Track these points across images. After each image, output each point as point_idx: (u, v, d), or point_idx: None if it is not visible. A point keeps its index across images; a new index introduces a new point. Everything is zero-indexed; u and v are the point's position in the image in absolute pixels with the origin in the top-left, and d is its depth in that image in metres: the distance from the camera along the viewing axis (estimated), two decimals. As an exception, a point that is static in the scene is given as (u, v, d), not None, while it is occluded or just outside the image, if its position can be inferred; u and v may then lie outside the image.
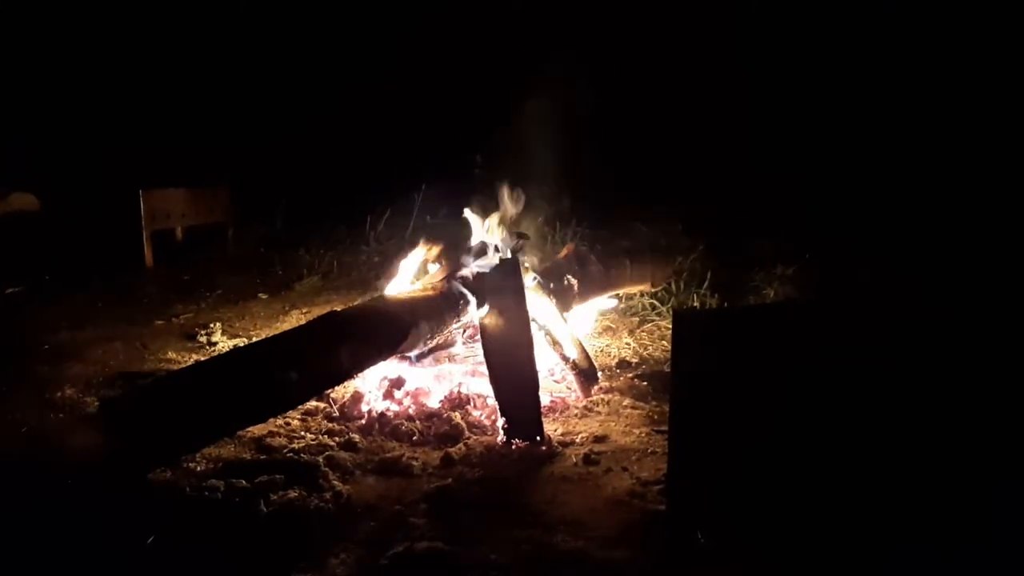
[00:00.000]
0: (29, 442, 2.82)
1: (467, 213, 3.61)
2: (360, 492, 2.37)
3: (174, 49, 9.99)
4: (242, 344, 4.08)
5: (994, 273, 4.19)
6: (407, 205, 7.87)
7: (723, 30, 9.48)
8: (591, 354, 3.46)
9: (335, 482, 2.39)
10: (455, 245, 3.54)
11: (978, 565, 1.78)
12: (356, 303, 3.40)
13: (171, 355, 4.01)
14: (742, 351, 1.92)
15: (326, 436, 2.80)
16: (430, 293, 3.15)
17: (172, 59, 9.93)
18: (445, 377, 3.31)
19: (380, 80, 10.31)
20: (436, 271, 3.41)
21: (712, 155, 8.68)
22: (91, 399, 3.28)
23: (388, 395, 3.13)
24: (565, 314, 3.52)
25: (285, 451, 2.65)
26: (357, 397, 3.11)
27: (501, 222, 3.49)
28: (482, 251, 3.47)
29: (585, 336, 4.01)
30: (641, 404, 3.20)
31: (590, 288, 4.06)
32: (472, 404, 3.10)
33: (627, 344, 4.17)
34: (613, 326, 4.55)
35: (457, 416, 2.92)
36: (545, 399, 3.11)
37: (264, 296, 5.60)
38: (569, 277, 3.82)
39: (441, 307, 3.10)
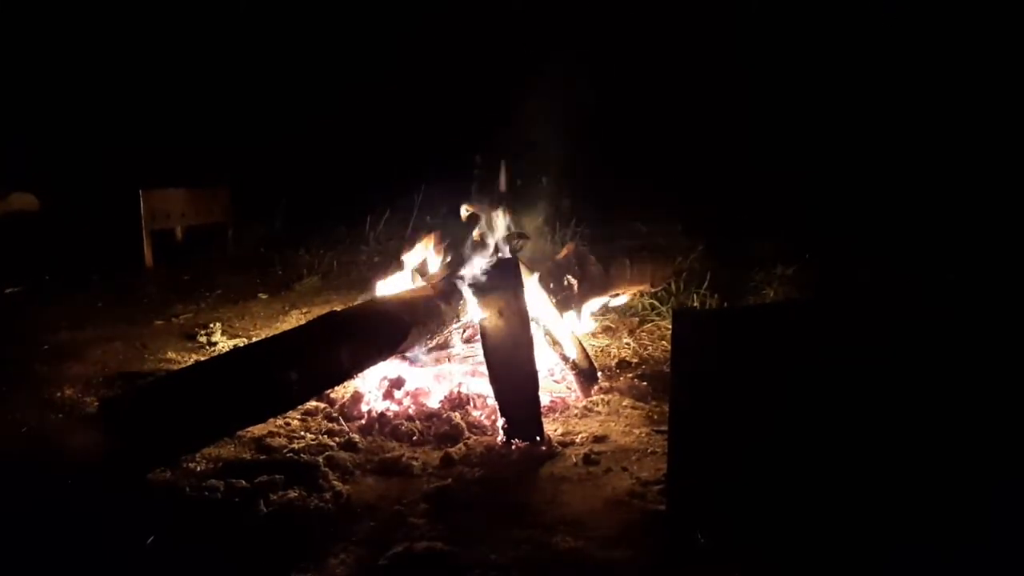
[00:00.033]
0: (29, 442, 2.82)
1: (469, 208, 3.60)
2: (360, 492, 2.37)
3: (174, 49, 9.99)
4: (242, 344, 4.08)
5: (994, 273, 4.19)
6: (407, 205, 7.87)
7: (723, 30, 9.48)
8: (591, 354, 3.46)
9: (335, 482, 2.39)
10: (456, 244, 3.54)
11: (978, 565, 1.78)
12: (356, 303, 3.40)
13: (171, 355, 4.01)
14: (742, 351, 1.92)
15: (326, 436, 2.80)
16: (430, 293, 3.15)
17: (172, 59, 9.93)
18: (445, 377, 3.31)
19: (380, 80, 10.31)
20: (436, 271, 3.41)
21: (712, 155, 8.68)
22: (91, 399, 3.28)
23: (388, 395, 3.13)
24: (565, 314, 3.52)
25: (285, 451, 2.65)
26: (357, 397, 3.11)
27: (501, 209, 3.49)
28: (482, 251, 3.47)
29: (585, 336, 4.01)
30: (641, 404, 3.20)
31: (590, 288, 4.06)
32: (472, 404, 3.10)
33: (627, 344, 4.17)
34: (613, 326, 4.55)
35: (457, 416, 2.92)
36: (545, 399, 3.11)
37: (264, 296, 5.60)
38: (569, 277, 3.82)
39: (441, 307, 3.10)
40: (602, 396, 3.28)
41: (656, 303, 4.84)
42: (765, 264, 5.79)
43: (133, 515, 2.15)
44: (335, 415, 3.03)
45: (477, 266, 3.23)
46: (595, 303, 4.30)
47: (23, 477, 2.44)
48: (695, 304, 4.90)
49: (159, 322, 4.79)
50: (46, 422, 3.01)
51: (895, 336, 1.88)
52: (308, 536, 2.10)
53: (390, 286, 3.58)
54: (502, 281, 2.97)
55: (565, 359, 3.27)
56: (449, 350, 3.45)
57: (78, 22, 9.61)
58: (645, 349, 4.10)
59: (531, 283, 3.34)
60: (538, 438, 2.73)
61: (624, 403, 3.21)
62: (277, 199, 8.55)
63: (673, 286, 5.13)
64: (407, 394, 3.16)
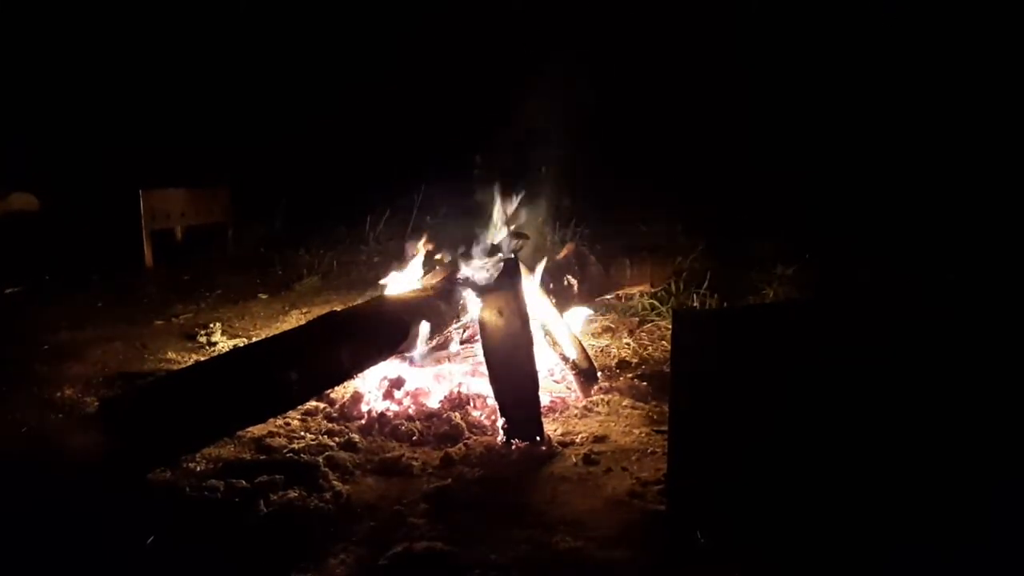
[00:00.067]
0: (29, 442, 2.82)
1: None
2: (360, 492, 2.37)
3: (174, 49, 9.99)
4: (242, 344, 4.08)
5: (994, 273, 4.19)
6: (407, 205, 7.88)
7: (723, 30, 9.48)
8: (591, 354, 3.46)
9: (335, 482, 2.39)
10: (456, 244, 3.54)
11: (978, 565, 1.78)
12: (356, 303, 3.40)
13: (171, 355, 4.01)
14: (742, 351, 1.92)
15: (326, 436, 2.80)
16: (430, 293, 3.15)
17: (172, 59, 9.93)
18: (445, 377, 3.32)
19: (380, 80, 10.31)
20: (436, 271, 3.41)
21: (712, 155, 8.69)
22: (91, 399, 3.28)
23: (388, 395, 3.13)
24: (564, 314, 3.52)
25: (285, 451, 2.65)
26: (357, 397, 3.11)
27: (501, 220, 3.49)
28: (482, 251, 3.47)
29: (585, 336, 4.01)
30: (641, 404, 3.20)
31: (590, 288, 4.06)
32: (472, 404, 3.10)
33: (627, 344, 4.17)
34: (613, 326, 4.55)
35: (457, 416, 2.92)
36: (545, 399, 3.11)
37: (264, 296, 5.60)
38: (569, 277, 3.82)
39: (441, 307, 3.10)
40: (602, 396, 3.28)
41: (656, 303, 4.84)
42: (765, 264, 5.79)
43: (133, 515, 2.15)
44: (335, 415, 3.03)
45: (477, 266, 3.23)
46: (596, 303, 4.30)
47: (23, 477, 2.44)
48: (695, 304, 4.90)
49: (159, 322, 4.79)
50: (46, 422, 3.01)
51: (895, 336, 1.88)
52: (308, 536, 2.10)
53: (396, 286, 3.57)
54: (502, 281, 2.97)
55: (565, 359, 3.27)
56: (449, 350, 3.45)
57: (78, 22, 9.61)
58: (645, 349, 4.10)
59: (531, 283, 3.34)
60: (538, 438, 2.73)
61: (624, 403, 3.21)
62: (277, 199, 8.55)
63: (673, 286, 5.13)
64: (407, 394, 3.16)
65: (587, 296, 4.14)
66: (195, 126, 9.54)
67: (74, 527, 2.11)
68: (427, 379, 3.28)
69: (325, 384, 2.77)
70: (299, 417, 3.00)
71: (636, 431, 2.88)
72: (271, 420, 2.82)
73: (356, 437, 2.78)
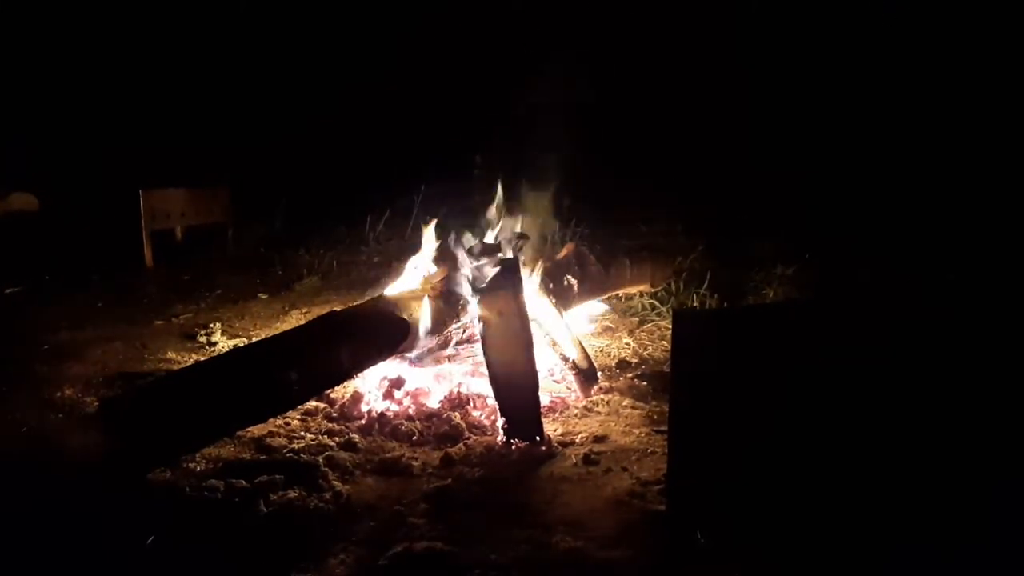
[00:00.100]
0: (29, 442, 2.82)
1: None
2: (360, 492, 2.37)
3: (174, 49, 9.99)
4: (242, 344, 4.08)
5: (994, 273, 4.19)
6: (407, 205, 7.88)
7: (723, 30, 9.49)
8: (591, 354, 3.46)
9: (335, 482, 2.39)
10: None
11: (978, 565, 1.78)
12: (356, 303, 3.40)
13: (171, 355, 4.01)
14: (742, 351, 1.92)
15: (326, 436, 2.79)
16: (430, 293, 3.15)
17: (172, 59, 9.94)
18: (445, 377, 3.31)
19: (380, 80, 10.31)
20: (436, 271, 3.41)
21: (712, 155, 8.69)
22: (91, 399, 3.28)
23: (388, 395, 3.13)
24: (565, 314, 3.52)
25: (285, 451, 2.65)
26: (357, 397, 3.11)
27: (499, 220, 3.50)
28: (482, 251, 3.47)
29: (585, 336, 4.01)
30: (641, 404, 3.20)
31: (590, 288, 4.06)
32: (472, 404, 3.10)
33: (627, 344, 4.17)
34: (613, 326, 4.55)
35: (457, 416, 2.92)
36: (545, 399, 3.11)
37: (264, 296, 5.60)
38: (569, 277, 3.82)
39: (441, 307, 3.10)
40: (602, 396, 3.28)
41: (656, 303, 4.84)
42: (765, 264, 5.79)
43: (133, 515, 2.15)
44: (335, 415, 3.03)
45: (477, 266, 3.23)
46: (594, 303, 4.30)
47: (23, 477, 2.44)
48: (695, 304, 4.90)
49: (159, 322, 4.79)
50: (46, 422, 3.01)
51: (895, 336, 1.88)
52: (308, 536, 2.10)
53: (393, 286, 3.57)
54: (502, 281, 2.97)
55: (565, 359, 3.27)
56: (449, 350, 3.45)
57: (78, 22, 9.62)
58: (645, 349, 4.10)
59: (531, 283, 3.34)
60: (538, 438, 2.73)
61: (624, 403, 3.21)
62: (277, 199, 8.55)
63: (673, 286, 5.13)
64: (407, 394, 3.16)
65: (590, 295, 4.14)
66: (195, 126, 9.55)
67: (74, 527, 2.11)
68: (427, 379, 3.28)
69: (325, 384, 2.77)
70: (299, 417, 3.00)
71: (636, 431, 2.88)
72: (271, 420, 2.81)
73: (356, 437, 2.78)
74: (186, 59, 9.99)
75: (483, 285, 3.08)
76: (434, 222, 3.59)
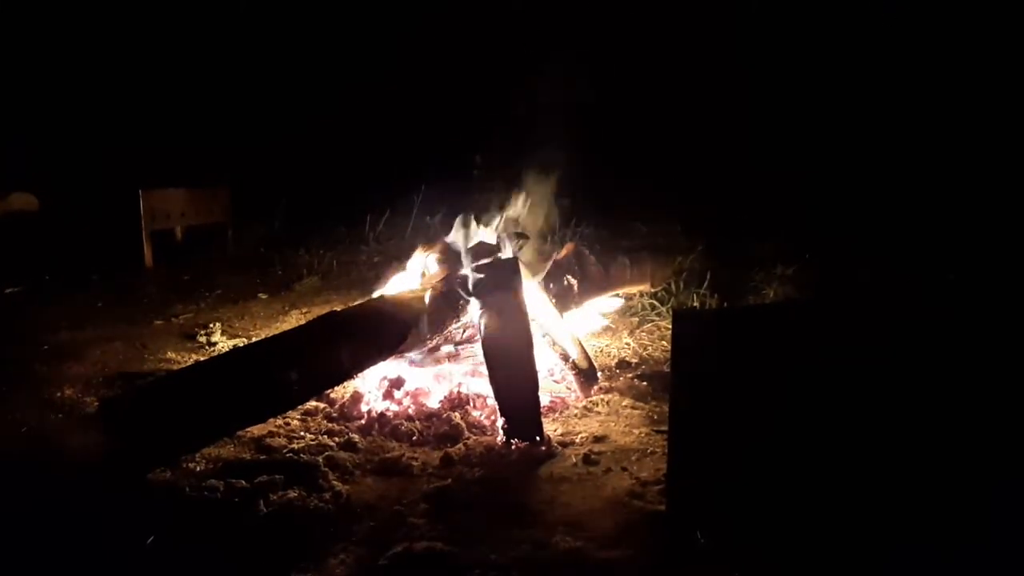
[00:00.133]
0: (29, 442, 2.82)
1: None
2: (360, 492, 2.37)
3: (174, 49, 9.99)
4: (242, 344, 4.08)
5: (994, 273, 4.19)
6: (407, 205, 7.88)
7: (723, 30, 9.49)
8: (591, 354, 3.46)
9: (335, 482, 2.39)
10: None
11: (978, 565, 1.78)
12: (356, 303, 3.40)
13: (171, 355, 4.01)
14: (742, 351, 1.92)
15: (326, 436, 2.80)
16: (430, 293, 3.15)
17: (172, 59, 9.94)
18: (445, 377, 3.31)
19: (380, 80, 10.31)
20: (436, 272, 3.41)
21: (712, 155, 8.69)
22: (91, 399, 3.28)
23: (388, 395, 3.13)
24: (565, 314, 3.52)
25: (285, 451, 2.65)
26: (357, 397, 3.11)
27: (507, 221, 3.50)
28: (482, 251, 3.47)
29: (585, 336, 4.01)
30: (641, 404, 3.20)
31: (590, 288, 4.06)
32: (472, 404, 3.10)
33: (627, 344, 4.17)
34: (613, 326, 4.55)
35: (457, 416, 2.92)
36: (545, 399, 3.11)
37: (264, 296, 5.60)
38: (569, 277, 3.82)
39: (441, 307, 3.10)
40: (602, 396, 3.28)
41: (656, 303, 4.84)
42: (765, 264, 5.79)
43: (133, 515, 2.15)
44: (335, 415, 3.03)
45: (477, 266, 3.23)
46: (596, 303, 4.30)
47: (23, 477, 2.45)
48: (695, 304, 4.90)
49: (159, 322, 4.79)
50: (46, 422, 3.01)
51: (895, 336, 1.88)
52: (308, 536, 2.10)
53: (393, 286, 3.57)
54: (502, 281, 2.97)
55: (565, 359, 3.27)
56: (449, 350, 3.45)
57: (78, 22, 9.61)
58: (645, 349, 4.10)
59: (531, 283, 3.34)
60: (538, 438, 2.73)
61: (624, 403, 3.21)
62: (277, 199, 8.55)
63: (673, 286, 5.13)
64: (407, 394, 3.16)
65: (592, 294, 4.14)
66: (195, 126, 9.55)
67: (74, 527, 2.12)
68: (427, 379, 3.28)
69: (325, 384, 2.77)
70: (299, 417, 3.00)
71: (636, 431, 2.88)
72: (271, 420, 2.81)
73: (356, 437, 2.78)
74: (186, 59, 9.99)
75: (483, 285, 3.08)
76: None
